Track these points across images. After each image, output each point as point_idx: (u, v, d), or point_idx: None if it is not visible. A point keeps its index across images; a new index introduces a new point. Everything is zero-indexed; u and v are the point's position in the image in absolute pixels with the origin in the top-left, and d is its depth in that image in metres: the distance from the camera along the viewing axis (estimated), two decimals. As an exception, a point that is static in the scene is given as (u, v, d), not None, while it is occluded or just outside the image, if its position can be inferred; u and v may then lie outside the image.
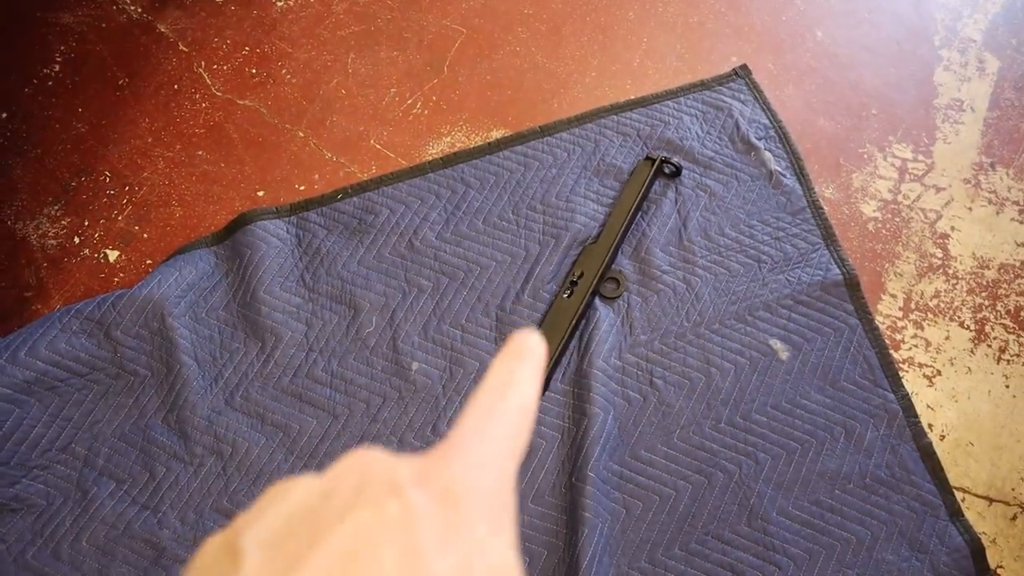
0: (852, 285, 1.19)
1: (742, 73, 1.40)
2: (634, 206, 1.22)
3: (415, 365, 1.13)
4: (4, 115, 1.38)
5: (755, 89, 1.38)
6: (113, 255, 1.24)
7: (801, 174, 1.29)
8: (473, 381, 1.12)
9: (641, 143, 1.32)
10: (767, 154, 1.30)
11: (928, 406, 1.14)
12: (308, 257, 1.21)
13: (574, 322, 1.13)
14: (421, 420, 1.09)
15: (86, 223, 1.27)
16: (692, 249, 1.22)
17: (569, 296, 1.15)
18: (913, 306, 1.22)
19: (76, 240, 1.25)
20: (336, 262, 1.20)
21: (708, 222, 1.24)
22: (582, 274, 1.17)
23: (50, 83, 1.42)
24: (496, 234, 1.23)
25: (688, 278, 1.19)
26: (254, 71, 1.43)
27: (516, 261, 1.21)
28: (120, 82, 1.42)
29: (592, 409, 1.07)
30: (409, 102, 1.40)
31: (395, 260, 1.20)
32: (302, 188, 1.30)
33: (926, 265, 1.25)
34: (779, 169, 1.29)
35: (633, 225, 1.23)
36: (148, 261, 1.23)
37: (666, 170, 1.27)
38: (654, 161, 1.26)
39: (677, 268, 1.20)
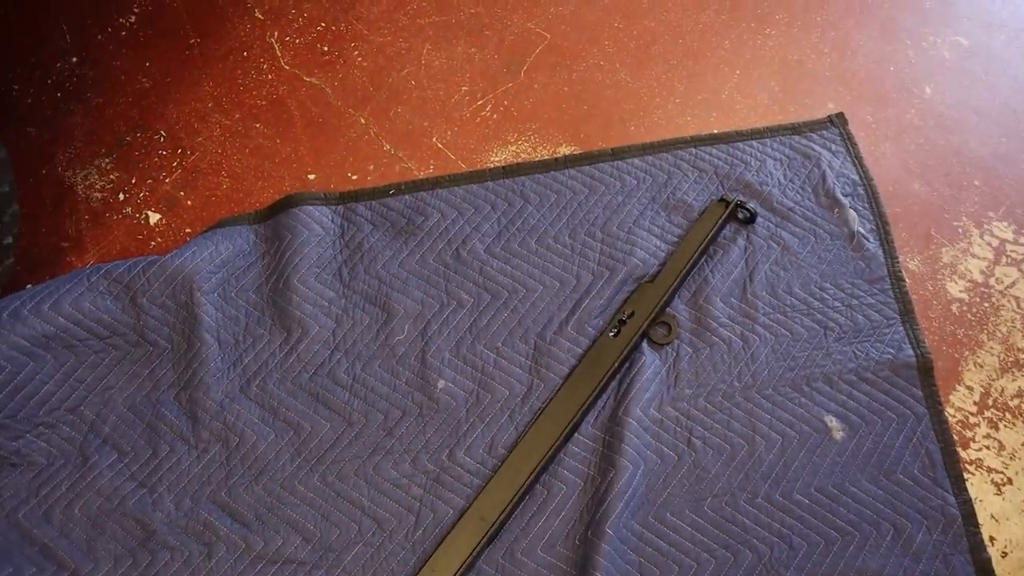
0: (925, 370, 1.09)
1: (837, 122, 1.30)
2: (700, 249, 1.13)
3: (441, 383, 1.06)
4: (75, 59, 1.36)
5: (849, 141, 1.28)
6: (154, 218, 1.21)
7: (886, 240, 1.19)
8: (500, 410, 1.05)
9: (717, 182, 1.23)
10: (852, 213, 1.20)
11: (992, 516, 1.03)
12: (349, 251, 1.15)
13: (616, 364, 1.05)
14: (439, 442, 1.03)
15: (133, 180, 1.24)
16: (755, 304, 1.12)
17: (615, 335, 1.07)
18: (991, 403, 1.10)
19: (121, 197, 1.22)
20: (377, 261, 1.14)
21: (777, 277, 1.15)
22: (633, 313, 1.09)
23: (123, 33, 1.39)
24: (548, 256, 1.16)
25: (746, 335, 1.10)
26: (326, 49, 1.39)
27: (565, 289, 1.13)
28: (191, 41, 1.39)
29: (621, 461, 0.99)
30: (479, 103, 1.34)
31: (438, 268, 1.14)
32: (354, 177, 1.25)
33: (1012, 360, 1.14)
34: (862, 231, 1.19)
35: (696, 269, 1.15)
36: (188, 229, 1.19)
37: (740, 215, 1.19)
38: (728, 204, 1.17)
39: (736, 322, 1.11)
